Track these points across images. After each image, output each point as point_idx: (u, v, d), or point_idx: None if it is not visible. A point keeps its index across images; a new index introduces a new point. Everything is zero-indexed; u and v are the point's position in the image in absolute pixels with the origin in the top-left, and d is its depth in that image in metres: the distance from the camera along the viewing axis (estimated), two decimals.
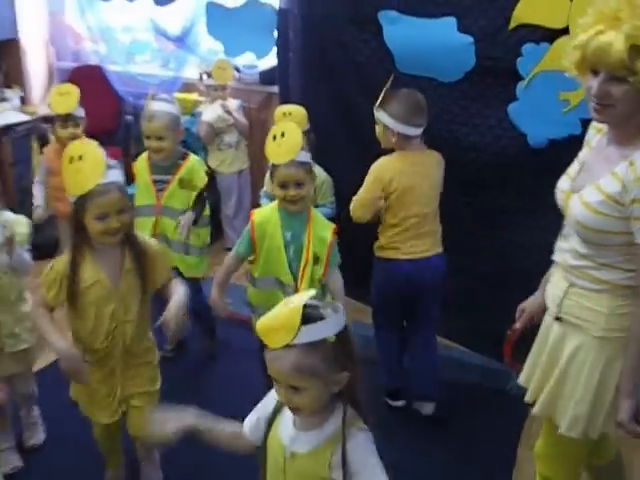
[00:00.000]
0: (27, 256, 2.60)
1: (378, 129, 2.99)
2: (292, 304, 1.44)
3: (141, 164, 3.24)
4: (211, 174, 4.41)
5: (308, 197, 2.60)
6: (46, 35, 5.30)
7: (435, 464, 2.85)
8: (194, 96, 4.67)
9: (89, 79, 4.89)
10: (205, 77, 4.44)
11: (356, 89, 3.44)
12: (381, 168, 2.91)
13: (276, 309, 1.46)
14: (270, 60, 4.39)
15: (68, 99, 3.51)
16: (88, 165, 2.10)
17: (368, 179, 2.94)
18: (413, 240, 2.93)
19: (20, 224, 2.60)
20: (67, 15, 5.35)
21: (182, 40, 4.71)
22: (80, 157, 2.12)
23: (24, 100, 5.10)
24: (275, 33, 4.06)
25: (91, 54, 5.22)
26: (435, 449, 2.93)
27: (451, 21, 3.04)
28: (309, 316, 1.42)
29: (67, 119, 3.52)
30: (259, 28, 4.23)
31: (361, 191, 2.96)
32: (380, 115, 2.94)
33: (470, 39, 3.01)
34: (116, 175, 2.17)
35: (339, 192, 3.37)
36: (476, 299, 3.45)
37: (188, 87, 4.77)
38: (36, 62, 5.23)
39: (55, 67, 5.36)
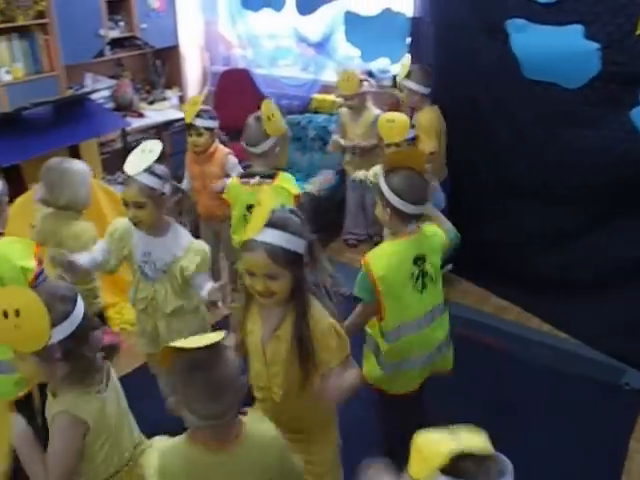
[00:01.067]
0: (204, 284, 2.51)
1: (404, 95, 3.97)
2: None
3: None
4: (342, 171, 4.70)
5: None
6: (202, 42, 5.79)
7: (547, 453, 2.88)
8: (332, 97, 4.93)
9: (237, 81, 5.34)
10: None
11: (482, 92, 3.60)
12: (429, 121, 3.80)
13: None
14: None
15: (191, 110, 3.54)
16: (259, 212, 1.90)
17: (430, 132, 3.72)
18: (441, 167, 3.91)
19: (198, 251, 2.56)
20: (220, 24, 5.77)
21: (322, 46, 4.97)
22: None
23: (182, 99, 5.58)
24: (408, 40, 4.23)
25: (240, 59, 5.62)
26: (546, 439, 2.96)
27: (578, 28, 3.11)
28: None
29: (190, 128, 3.56)
30: (393, 35, 4.30)
31: (431, 142, 3.73)
32: (406, 83, 3.92)
33: (596, 45, 3.07)
34: (273, 236, 1.84)
35: (460, 189, 3.53)
36: (590, 294, 3.54)
37: (326, 89, 5.04)
38: (193, 66, 5.72)
39: (208, 70, 5.83)
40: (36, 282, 2.29)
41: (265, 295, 1.89)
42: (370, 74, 4.75)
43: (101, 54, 5.06)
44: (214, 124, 3.59)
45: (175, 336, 2.24)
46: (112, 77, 5.30)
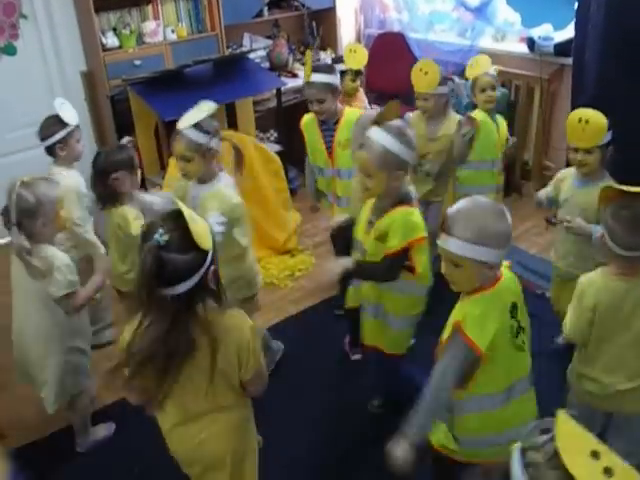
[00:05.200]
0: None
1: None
2: None
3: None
4: None
5: None
6: (357, 5, 5.78)
7: None
8: None
9: (391, 45, 5.28)
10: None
11: None
12: None
13: None
14: (567, 32, 4.26)
15: (359, 57, 3.95)
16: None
17: None
18: None
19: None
20: None
21: (481, 10, 4.77)
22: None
23: (335, 61, 5.40)
24: (575, 5, 3.95)
25: (395, 22, 5.54)
26: None
27: None
28: None
29: (357, 74, 3.99)
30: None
31: None
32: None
33: None
34: None
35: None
36: None
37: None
38: (347, 28, 5.72)
39: (363, 33, 5.81)
40: None
41: None
42: (531, 41, 4.56)
43: (260, 14, 5.18)
44: None
45: (240, 280, 2.74)
46: (269, 37, 5.41)
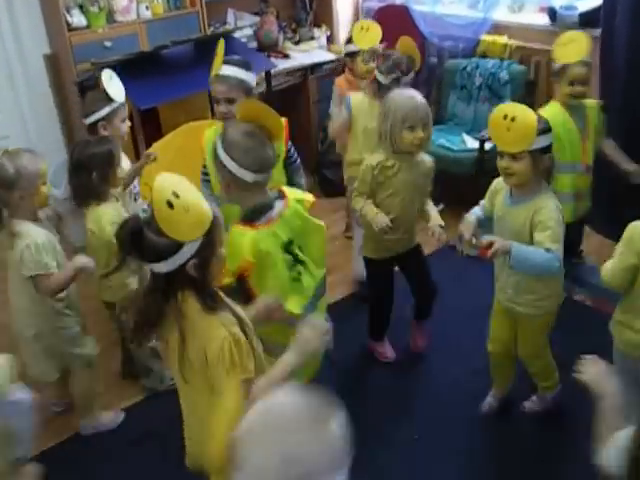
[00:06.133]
0: None
1: None
2: None
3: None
4: None
5: None
6: None
7: None
8: (503, 39, 4.43)
9: (394, 18, 4.88)
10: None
11: None
12: None
13: None
14: (592, 0, 3.97)
15: (372, 34, 3.62)
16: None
17: None
18: None
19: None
20: None
21: None
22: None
23: (330, 39, 5.28)
24: None
25: None
26: None
27: None
28: None
29: (366, 54, 3.67)
30: None
31: None
32: None
33: None
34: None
35: None
36: None
37: (497, 29, 4.52)
38: (343, 2, 5.35)
39: (361, 6, 5.43)
40: None
41: None
42: (552, 11, 4.19)
43: None
44: None
45: None
46: (256, 14, 5.11)
